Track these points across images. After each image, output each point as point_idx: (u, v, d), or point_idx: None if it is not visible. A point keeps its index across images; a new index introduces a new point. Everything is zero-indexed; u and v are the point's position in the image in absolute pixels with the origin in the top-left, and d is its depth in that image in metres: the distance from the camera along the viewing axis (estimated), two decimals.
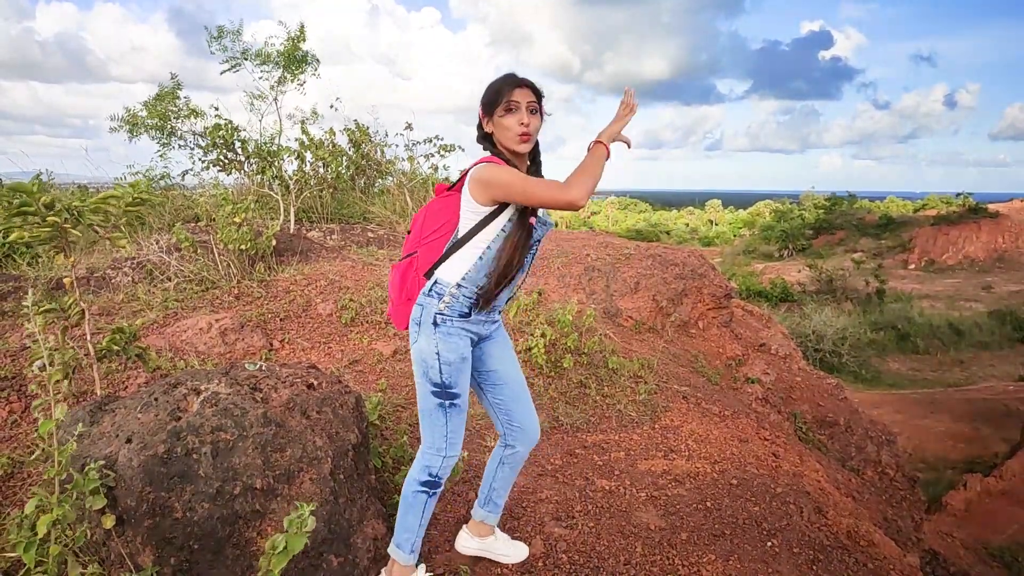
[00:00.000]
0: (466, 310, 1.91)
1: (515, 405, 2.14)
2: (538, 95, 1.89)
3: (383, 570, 2.12)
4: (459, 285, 1.89)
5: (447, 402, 1.93)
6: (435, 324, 1.88)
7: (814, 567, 2.72)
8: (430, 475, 1.98)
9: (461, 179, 1.98)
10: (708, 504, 3.05)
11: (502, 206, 1.87)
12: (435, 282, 1.92)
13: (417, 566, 2.11)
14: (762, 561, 2.64)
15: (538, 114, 1.90)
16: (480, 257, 1.89)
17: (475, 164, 1.91)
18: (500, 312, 2.09)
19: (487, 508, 2.30)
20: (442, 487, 2.03)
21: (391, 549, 2.07)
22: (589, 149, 1.87)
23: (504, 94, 1.85)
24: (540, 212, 1.94)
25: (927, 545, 6.58)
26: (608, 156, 1.86)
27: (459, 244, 1.92)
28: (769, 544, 2.79)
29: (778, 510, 3.10)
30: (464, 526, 2.37)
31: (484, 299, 1.91)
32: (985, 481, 14.57)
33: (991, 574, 9.98)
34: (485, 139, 1.95)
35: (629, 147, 1.99)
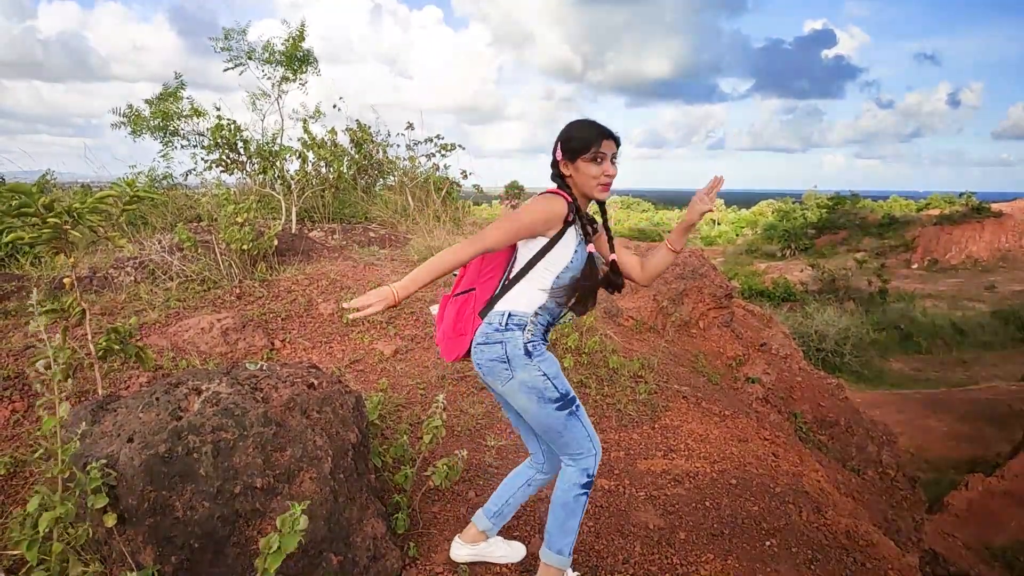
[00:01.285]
0: (544, 331, 2.01)
1: None
2: (618, 145, 1.96)
3: None
4: (537, 313, 1.97)
5: (572, 407, 1.98)
6: (528, 354, 1.94)
7: (812, 566, 2.73)
8: (588, 476, 2.02)
9: None
10: (707, 503, 3.05)
11: (559, 234, 1.93)
12: (508, 315, 1.95)
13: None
14: (760, 560, 2.65)
15: (616, 163, 1.97)
16: (553, 285, 1.96)
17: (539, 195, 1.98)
18: None
19: (494, 520, 2.29)
20: None
21: (549, 557, 2.09)
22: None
23: (593, 144, 1.90)
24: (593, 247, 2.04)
25: (927, 545, 6.58)
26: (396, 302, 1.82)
27: (521, 275, 1.97)
28: (767, 543, 2.80)
29: (777, 510, 3.11)
30: (457, 536, 2.35)
31: (577, 304, 2.01)
32: (987, 481, 14.55)
33: (992, 574, 9.97)
34: (559, 177, 2.00)
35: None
